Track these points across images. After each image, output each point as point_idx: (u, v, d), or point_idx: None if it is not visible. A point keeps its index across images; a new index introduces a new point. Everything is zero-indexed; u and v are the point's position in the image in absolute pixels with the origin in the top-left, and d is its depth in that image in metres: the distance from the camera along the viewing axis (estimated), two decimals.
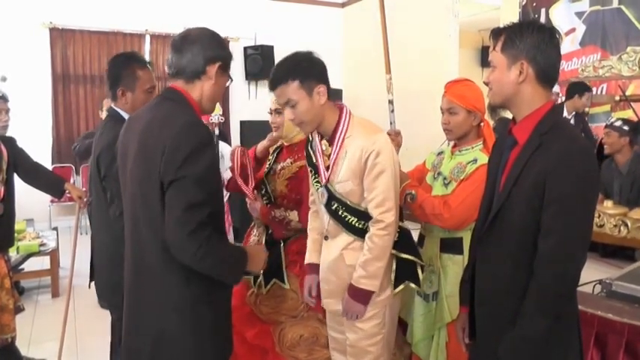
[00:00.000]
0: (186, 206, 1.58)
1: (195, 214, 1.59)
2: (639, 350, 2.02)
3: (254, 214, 2.60)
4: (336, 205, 2.04)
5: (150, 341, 1.72)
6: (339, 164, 2.01)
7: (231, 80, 1.86)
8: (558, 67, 1.60)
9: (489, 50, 1.64)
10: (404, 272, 2.11)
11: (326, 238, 2.13)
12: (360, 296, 2.01)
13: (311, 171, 2.14)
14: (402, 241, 2.08)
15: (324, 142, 2.08)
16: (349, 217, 2.03)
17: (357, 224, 2.03)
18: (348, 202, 2.02)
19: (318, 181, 2.10)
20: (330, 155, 2.04)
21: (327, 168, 2.05)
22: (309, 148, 2.16)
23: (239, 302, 2.48)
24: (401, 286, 2.11)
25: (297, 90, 1.92)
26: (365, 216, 2.01)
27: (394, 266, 2.09)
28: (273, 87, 1.98)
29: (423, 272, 2.17)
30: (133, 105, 2.46)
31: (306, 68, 1.95)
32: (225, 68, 1.79)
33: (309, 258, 2.26)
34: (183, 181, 1.59)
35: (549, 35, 1.56)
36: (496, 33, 1.62)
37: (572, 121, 5.07)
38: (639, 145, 4.55)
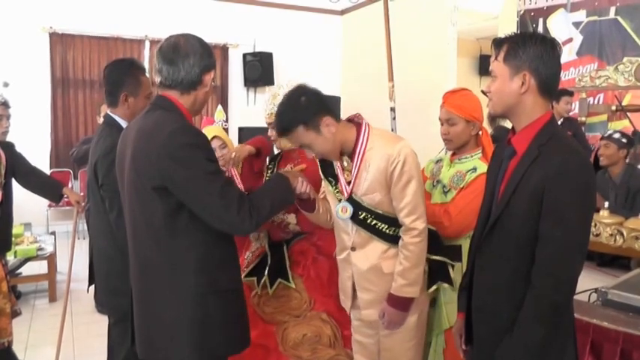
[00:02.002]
0: (218, 193, 1.64)
1: (229, 193, 1.67)
2: (634, 358, 2.03)
3: None
4: (364, 215, 2.05)
5: (163, 336, 1.77)
6: (362, 177, 2.02)
7: (214, 81, 1.90)
8: (559, 78, 1.61)
9: (490, 60, 1.64)
10: (437, 273, 2.16)
11: (353, 249, 2.11)
12: (403, 304, 2.04)
13: (330, 182, 2.14)
14: (431, 242, 2.09)
15: (344, 157, 2.09)
16: (379, 224, 2.05)
17: (387, 230, 2.05)
18: (380, 212, 2.03)
19: (339, 192, 2.10)
20: (351, 170, 2.05)
21: (349, 183, 2.06)
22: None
23: None
24: (434, 287, 2.15)
25: (305, 133, 1.94)
26: (395, 222, 2.03)
27: (426, 268, 2.12)
28: (281, 136, 2.06)
29: (453, 270, 2.19)
30: (134, 110, 2.43)
31: (304, 110, 1.93)
32: (214, 73, 1.84)
33: None
34: (197, 176, 1.64)
35: (551, 46, 1.57)
36: (498, 43, 1.61)
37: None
38: (632, 155, 4.58)
